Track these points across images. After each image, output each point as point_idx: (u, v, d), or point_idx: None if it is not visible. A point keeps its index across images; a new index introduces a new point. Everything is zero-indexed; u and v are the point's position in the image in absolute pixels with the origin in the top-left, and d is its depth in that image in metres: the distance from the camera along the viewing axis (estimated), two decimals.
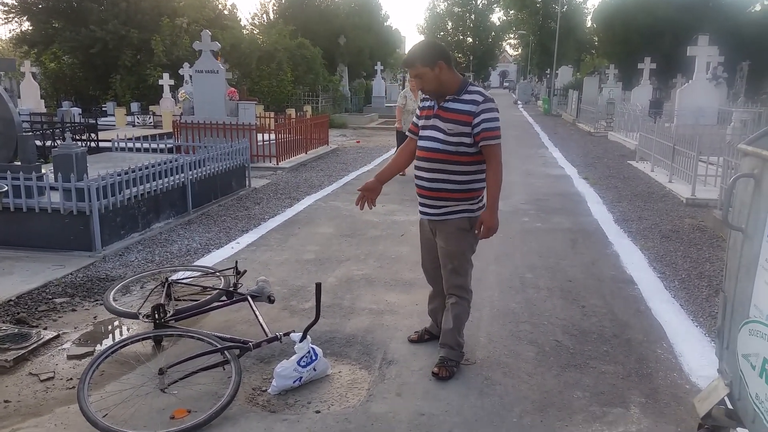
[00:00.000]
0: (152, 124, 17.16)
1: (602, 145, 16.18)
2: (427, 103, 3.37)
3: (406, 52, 3.36)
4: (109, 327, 4.10)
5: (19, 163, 5.80)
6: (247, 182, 9.14)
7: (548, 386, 3.27)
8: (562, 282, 4.98)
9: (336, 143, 15.60)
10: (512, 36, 62.93)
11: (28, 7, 26.30)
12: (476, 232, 3.32)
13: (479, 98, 3.18)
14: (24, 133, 5.97)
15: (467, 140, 3.18)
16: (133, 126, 16.90)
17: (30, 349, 3.59)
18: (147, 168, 6.39)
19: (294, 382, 3.19)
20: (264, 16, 32.58)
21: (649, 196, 8.86)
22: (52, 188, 5.61)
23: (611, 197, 8.71)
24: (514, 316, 4.23)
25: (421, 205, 3.41)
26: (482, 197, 3.39)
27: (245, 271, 4.31)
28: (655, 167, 10.84)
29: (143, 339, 3.49)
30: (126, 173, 6.01)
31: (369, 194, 3.50)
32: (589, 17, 44.22)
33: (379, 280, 5.00)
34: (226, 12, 29.90)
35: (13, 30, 28.35)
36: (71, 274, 5.03)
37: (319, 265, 5.40)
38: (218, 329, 3.77)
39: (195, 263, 5.34)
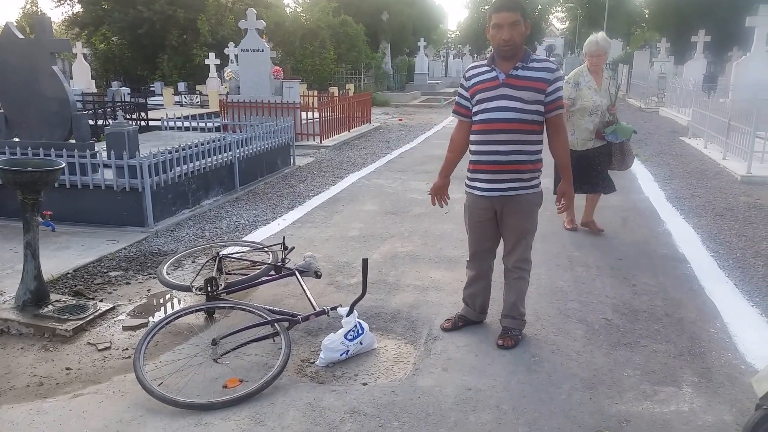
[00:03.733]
0: (199, 103, 17.43)
1: (653, 120, 15.70)
2: (486, 76, 3.22)
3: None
4: (162, 300, 4.22)
5: (73, 141, 5.98)
6: (291, 160, 9.22)
7: (597, 364, 3.22)
8: (612, 260, 4.88)
9: (378, 121, 15.56)
10: (559, 9, 61.35)
11: None
12: (557, 205, 3.44)
13: (552, 66, 3.20)
14: (78, 113, 6.12)
15: (541, 108, 3.19)
16: (181, 105, 17.18)
17: (88, 320, 3.72)
18: (196, 146, 6.51)
19: (341, 354, 3.24)
20: None
21: (702, 173, 8.58)
22: (106, 166, 5.77)
23: (663, 174, 8.46)
24: (562, 294, 4.18)
25: (491, 182, 3.27)
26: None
27: (293, 248, 4.37)
28: (709, 144, 10.48)
29: (197, 311, 3.60)
30: (176, 151, 6.13)
31: (440, 191, 3.54)
32: None
33: (423, 257, 5.00)
34: None
35: (65, 13, 29.10)
36: (125, 248, 5.19)
37: (363, 241, 5.42)
38: (267, 303, 3.83)
39: (243, 239, 5.43)
